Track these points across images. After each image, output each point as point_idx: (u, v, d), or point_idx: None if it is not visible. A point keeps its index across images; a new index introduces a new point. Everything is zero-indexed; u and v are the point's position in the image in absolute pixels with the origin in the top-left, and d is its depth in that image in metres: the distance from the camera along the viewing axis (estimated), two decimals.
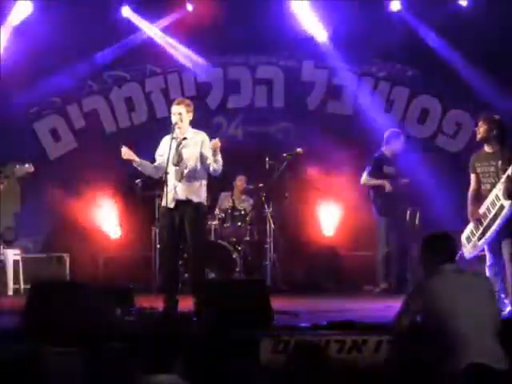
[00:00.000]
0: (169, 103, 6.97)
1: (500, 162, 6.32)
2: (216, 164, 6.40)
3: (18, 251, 8.99)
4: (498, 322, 4.29)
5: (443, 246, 4.38)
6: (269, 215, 8.79)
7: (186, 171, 6.45)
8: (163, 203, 6.37)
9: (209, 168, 6.43)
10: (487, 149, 6.47)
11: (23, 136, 9.56)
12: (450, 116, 9.77)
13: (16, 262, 8.87)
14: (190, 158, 6.47)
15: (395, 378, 4.45)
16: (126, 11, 9.53)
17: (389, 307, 5.93)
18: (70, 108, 9.87)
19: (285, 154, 8.34)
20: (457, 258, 4.44)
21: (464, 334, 4.08)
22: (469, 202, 6.56)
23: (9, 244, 8.96)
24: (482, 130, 6.47)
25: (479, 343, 4.06)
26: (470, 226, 6.53)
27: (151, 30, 9.66)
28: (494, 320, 4.20)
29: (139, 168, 6.59)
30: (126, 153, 6.46)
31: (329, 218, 9.53)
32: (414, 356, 4.46)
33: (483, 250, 6.55)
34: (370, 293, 8.55)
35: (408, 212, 8.08)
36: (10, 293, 8.69)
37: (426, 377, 4.17)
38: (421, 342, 4.35)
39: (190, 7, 9.44)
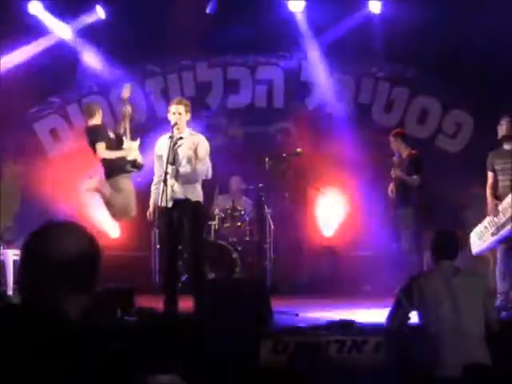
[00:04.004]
0: (168, 103, 6.97)
1: None
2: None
3: (18, 251, 8.98)
4: (493, 322, 4.29)
5: (443, 243, 4.39)
6: (269, 215, 8.79)
7: (181, 170, 6.47)
8: (162, 203, 6.37)
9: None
10: (506, 146, 6.57)
11: (23, 136, 9.54)
12: (450, 116, 9.77)
13: (16, 262, 8.87)
14: (185, 158, 6.48)
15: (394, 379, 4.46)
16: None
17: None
18: (70, 108, 9.86)
19: (285, 154, 8.33)
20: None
21: (449, 334, 4.09)
22: (489, 198, 6.62)
23: (9, 244, 8.95)
24: (506, 127, 6.58)
25: (464, 344, 4.06)
26: (485, 222, 6.55)
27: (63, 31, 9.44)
28: (482, 320, 4.19)
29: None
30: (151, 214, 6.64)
31: (329, 218, 9.53)
32: (402, 355, 4.47)
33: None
34: (370, 293, 8.55)
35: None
36: (10, 293, 8.68)
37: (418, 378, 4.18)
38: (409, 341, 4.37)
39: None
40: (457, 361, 3.98)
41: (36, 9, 9.20)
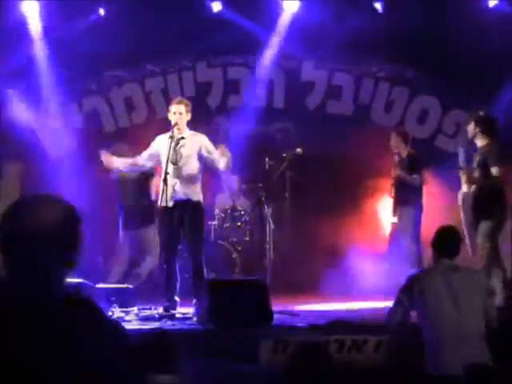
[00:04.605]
0: (168, 103, 6.98)
1: (478, 157, 6.55)
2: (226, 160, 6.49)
3: None
4: (492, 319, 4.27)
5: (443, 241, 4.37)
6: (269, 215, 8.78)
7: (184, 169, 6.48)
8: (162, 203, 6.37)
9: (218, 167, 6.53)
10: (478, 142, 6.69)
11: (23, 136, 9.53)
12: (450, 116, 9.77)
13: None
14: (188, 157, 6.51)
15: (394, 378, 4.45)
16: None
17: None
18: (70, 108, 9.85)
19: (285, 154, 8.33)
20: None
21: (449, 332, 4.08)
22: None
23: None
24: (469, 129, 6.71)
25: (464, 342, 4.05)
26: None
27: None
28: (482, 318, 4.17)
29: (125, 170, 6.73)
30: (107, 161, 6.58)
31: (328, 217, 9.51)
32: (402, 354, 4.46)
33: None
34: (370, 293, 8.55)
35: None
36: None
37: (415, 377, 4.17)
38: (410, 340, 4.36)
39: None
40: (457, 359, 3.97)
41: (29, 9, 9.16)
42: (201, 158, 6.56)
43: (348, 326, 5.54)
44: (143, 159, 6.72)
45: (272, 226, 8.77)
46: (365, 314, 6.57)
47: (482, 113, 6.96)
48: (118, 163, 6.72)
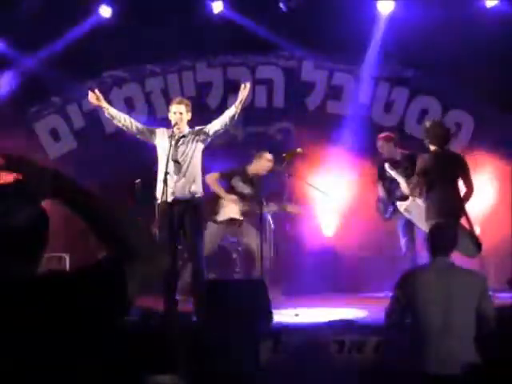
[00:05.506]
0: (168, 103, 6.98)
1: None
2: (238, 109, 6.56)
3: None
4: (490, 320, 4.23)
5: (438, 239, 4.33)
6: (269, 215, 8.78)
7: (186, 167, 6.48)
8: (162, 198, 6.35)
9: (230, 120, 6.62)
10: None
11: (23, 136, 9.53)
12: (450, 116, 9.76)
13: None
14: (189, 155, 6.51)
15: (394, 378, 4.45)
16: None
17: None
18: (70, 108, 9.85)
19: (284, 154, 8.33)
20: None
21: (439, 331, 4.06)
22: None
23: None
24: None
25: (454, 341, 4.04)
26: None
27: None
28: (474, 318, 4.14)
29: (109, 116, 6.59)
30: (93, 97, 6.49)
31: (329, 218, 9.53)
32: (402, 353, 4.45)
33: None
34: (370, 293, 8.55)
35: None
36: None
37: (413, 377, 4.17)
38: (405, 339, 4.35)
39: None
40: (444, 358, 3.96)
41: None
42: (209, 140, 6.59)
43: (348, 326, 5.53)
44: (135, 125, 6.59)
45: (272, 226, 8.77)
46: (365, 314, 6.56)
47: (428, 123, 7.07)
48: (105, 104, 6.58)
